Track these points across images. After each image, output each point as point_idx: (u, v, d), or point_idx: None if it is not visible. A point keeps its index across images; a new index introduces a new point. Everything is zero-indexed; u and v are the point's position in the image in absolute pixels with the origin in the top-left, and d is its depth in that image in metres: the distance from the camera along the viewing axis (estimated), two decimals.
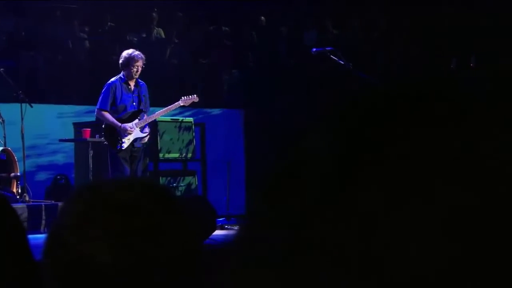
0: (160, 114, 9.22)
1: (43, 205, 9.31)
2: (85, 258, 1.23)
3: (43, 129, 11.06)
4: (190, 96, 9.25)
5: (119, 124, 8.79)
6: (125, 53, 8.78)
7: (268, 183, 0.48)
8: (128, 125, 8.82)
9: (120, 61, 8.80)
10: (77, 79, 12.10)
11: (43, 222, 8.98)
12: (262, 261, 0.46)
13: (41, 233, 8.33)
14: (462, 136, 0.43)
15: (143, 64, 8.73)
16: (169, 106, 9.16)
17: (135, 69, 8.68)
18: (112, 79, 8.86)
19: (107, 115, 8.82)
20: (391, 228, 0.42)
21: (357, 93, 0.48)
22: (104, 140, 9.02)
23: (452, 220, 0.42)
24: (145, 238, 1.23)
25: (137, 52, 8.76)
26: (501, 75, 0.46)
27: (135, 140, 8.88)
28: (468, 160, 0.42)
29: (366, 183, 0.44)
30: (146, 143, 9.15)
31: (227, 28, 13.69)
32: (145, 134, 8.99)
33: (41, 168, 11.26)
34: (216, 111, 12.61)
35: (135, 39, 12.79)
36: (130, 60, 8.69)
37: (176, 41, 13.35)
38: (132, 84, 8.84)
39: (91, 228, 1.24)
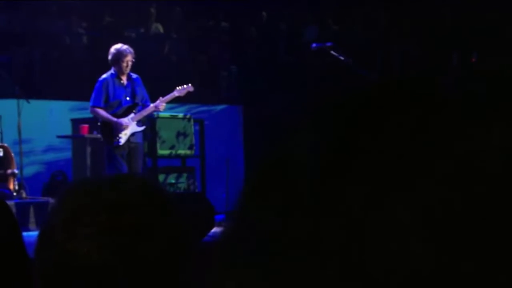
0: (152, 109, 9.05)
1: (31, 202, 9.26)
2: (74, 256, 1.23)
3: (40, 125, 11.03)
4: (185, 86, 9.17)
5: (114, 119, 8.76)
6: (113, 49, 8.73)
7: (252, 180, 0.49)
8: (123, 120, 8.78)
9: (109, 58, 8.74)
10: (74, 74, 12.06)
11: (33, 220, 8.92)
12: (247, 260, 0.46)
13: (29, 230, 8.28)
14: (441, 132, 0.44)
15: (133, 58, 8.69)
16: (164, 98, 9.04)
17: (124, 64, 8.64)
18: (104, 75, 8.82)
19: (101, 111, 8.79)
20: (372, 223, 0.43)
21: (341, 92, 0.49)
22: (101, 137, 8.98)
23: (432, 215, 0.42)
24: (134, 237, 1.22)
25: (125, 47, 8.71)
26: (485, 74, 0.47)
27: (132, 134, 8.83)
28: (447, 156, 0.43)
29: (349, 180, 0.44)
30: (145, 140, 9.12)
31: (226, 24, 13.66)
32: (141, 128, 8.95)
33: (38, 164, 11.23)
34: (215, 108, 12.59)
35: (133, 34, 12.76)
36: (119, 55, 8.65)
37: (175, 36, 13.33)
38: (124, 78, 8.79)
39: (80, 227, 1.24)
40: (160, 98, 9.00)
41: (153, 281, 1.21)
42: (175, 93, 9.13)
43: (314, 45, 7.78)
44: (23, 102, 9.43)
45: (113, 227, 1.22)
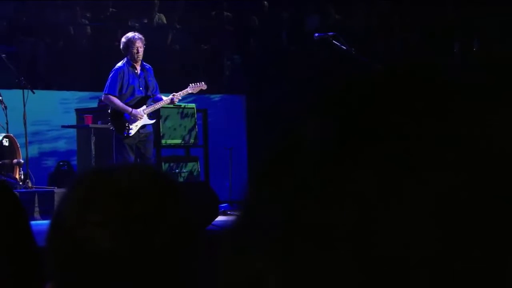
0: (166, 102, 9.10)
1: (36, 192, 9.30)
2: (85, 244, 1.23)
3: (45, 115, 11.06)
4: (198, 84, 9.24)
5: (130, 109, 8.78)
6: (123, 38, 8.85)
7: (261, 168, 0.49)
8: (138, 110, 8.82)
9: (121, 47, 8.86)
10: (78, 65, 12.08)
11: (38, 209, 8.96)
12: (259, 247, 0.46)
13: (34, 219, 8.31)
14: (452, 118, 0.44)
15: (143, 44, 8.75)
16: (178, 93, 9.12)
17: (135, 51, 8.69)
18: (119, 64, 8.86)
19: (116, 100, 8.81)
20: (384, 209, 0.43)
21: (349, 78, 0.49)
22: (110, 125, 9.00)
23: (444, 201, 0.42)
24: (144, 224, 1.22)
25: (134, 34, 8.81)
26: (490, 61, 0.46)
27: (143, 126, 8.87)
28: (459, 142, 0.43)
29: (359, 166, 0.44)
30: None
31: (228, 14, 13.65)
32: (152, 121, 9.00)
33: (43, 154, 11.27)
34: (218, 97, 12.60)
35: (137, 25, 12.77)
36: (128, 43, 8.73)
37: (178, 26, 13.32)
38: (138, 67, 8.84)
39: (92, 214, 1.24)
40: (174, 93, 9.07)
41: (162, 268, 1.22)
42: (189, 90, 9.20)
43: (316, 34, 7.80)
44: (28, 92, 9.46)
45: (123, 214, 1.22)
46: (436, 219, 0.42)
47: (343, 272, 0.43)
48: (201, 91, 9.58)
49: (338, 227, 0.43)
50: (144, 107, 8.89)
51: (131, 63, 8.80)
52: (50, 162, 11.18)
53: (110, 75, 8.84)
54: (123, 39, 8.82)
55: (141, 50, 8.75)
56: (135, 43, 8.71)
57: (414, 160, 0.43)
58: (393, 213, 0.43)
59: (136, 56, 8.74)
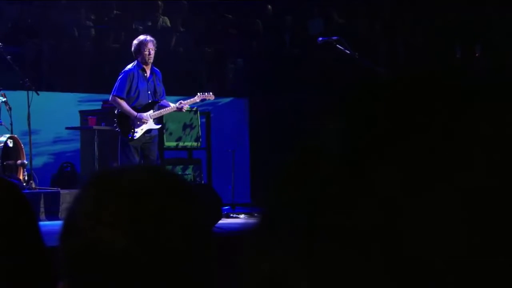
0: (173, 109, 9.09)
1: (40, 193, 9.33)
2: (98, 244, 1.24)
3: (49, 116, 11.09)
4: (206, 94, 9.26)
5: (135, 113, 8.79)
6: (135, 40, 8.88)
7: (284, 171, 0.49)
8: (144, 115, 8.82)
9: (132, 49, 8.86)
10: (83, 67, 12.11)
11: (42, 210, 8.99)
12: (280, 248, 0.46)
13: (40, 220, 8.32)
14: (475, 120, 0.44)
15: (154, 46, 8.78)
16: (186, 101, 9.11)
17: (146, 52, 8.72)
18: (129, 66, 8.88)
19: (123, 103, 8.82)
20: (411, 212, 0.43)
21: (368, 82, 0.49)
22: (116, 127, 9.01)
23: (471, 203, 0.42)
24: (157, 224, 1.23)
25: (146, 36, 8.86)
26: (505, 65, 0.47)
27: (148, 131, 8.88)
28: (484, 143, 0.43)
29: (384, 169, 0.44)
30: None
31: (232, 17, 13.67)
32: (158, 126, 9.02)
33: (47, 155, 11.29)
34: (221, 100, 12.61)
35: (141, 27, 12.79)
36: (141, 45, 8.75)
37: (182, 29, 13.35)
38: (148, 71, 8.86)
39: (105, 214, 1.25)
40: (181, 101, 9.08)
41: (175, 268, 1.23)
42: (196, 99, 9.21)
43: (320, 39, 7.83)
44: (32, 93, 9.48)
45: (135, 214, 1.23)
46: (463, 219, 0.42)
47: (371, 272, 0.43)
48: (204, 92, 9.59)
49: (365, 228, 0.43)
50: (151, 111, 8.91)
51: (141, 66, 8.82)
52: (54, 164, 11.20)
53: (120, 77, 8.85)
54: (135, 41, 8.84)
55: (152, 52, 8.77)
56: (147, 45, 8.74)
57: (439, 160, 0.43)
58: (420, 213, 0.42)
59: (147, 58, 8.75)
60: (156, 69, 8.99)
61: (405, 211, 0.43)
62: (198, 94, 9.23)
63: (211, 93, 9.27)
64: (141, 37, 8.88)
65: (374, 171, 0.44)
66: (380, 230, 0.43)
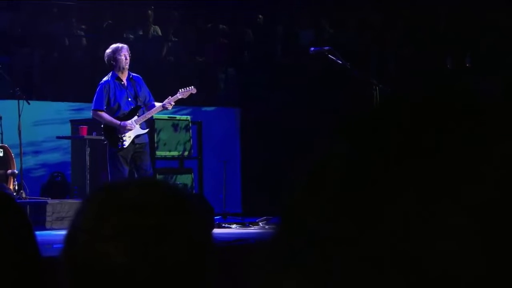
0: (158, 109, 9.06)
1: (30, 203, 9.29)
2: (99, 257, 1.25)
3: (40, 126, 11.06)
4: (188, 88, 9.19)
5: (118, 122, 8.76)
6: (108, 50, 8.84)
7: (300, 184, 0.49)
8: (127, 122, 8.79)
9: (106, 59, 8.82)
10: (74, 76, 12.09)
11: (31, 220, 8.95)
12: (297, 264, 0.47)
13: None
14: (481, 136, 0.45)
15: (129, 53, 8.75)
16: (170, 98, 9.03)
17: (122, 57, 8.70)
18: (104, 78, 8.85)
19: (104, 114, 8.80)
20: (425, 228, 0.43)
21: (376, 103, 0.50)
22: (104, 139, 8.98)
23: (483, 218, 0.43)
24: (158, 238, 1.24)
25: (118, 44, 8.84)
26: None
27: (136, 137, 8.85)
28: (489, 159, 0.44)
29: (397, 186, 0.45)
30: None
31: (223, 26, 13.70)
32: (145, 131, 8.97)
33: (38, 165, 11.26)
34: (212, 110, 12.63)
35: (132, 36, 12.80)
36: (116, 51, 8.73)
37: (173, 39, 13.36)
38: (124, 79, 8.82)
39: (106, 228, 1.26)
40: (168, 97, 9.04)
41: (178, 282, 1.24)
42: (178, 95, 9.12)
43: (312, 49, 7.85)
44: (23, 103, 9.46)
45: (136, 229, 1.24)
46: (477, 236, 0.42)
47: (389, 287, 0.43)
48: (194, 102, 9.58)
49: (380, 246, 0.44)
50: (136, 117, 8.88)
51: (116, 75, 8.78)
52: (44, 173, 11.17)
53: (96, 91, 8.84)
54: (108, 51, 8.80)
55: (128, 57, 8.75)
56: (122, 50, 8.72)
57: (452, 177, 0.44)
58: (434, 231, 0.43)
59: (124, 64, 8.71)
60: (135, 74, 8.95)
61: (420, 229, 0.43)
62: (180, 90, 9.16)
63: (192, 87, 9.20)
64: (114, 45, 8.85)
65: (389, 188, 0.45)
66: (396, 249, 0.43)
